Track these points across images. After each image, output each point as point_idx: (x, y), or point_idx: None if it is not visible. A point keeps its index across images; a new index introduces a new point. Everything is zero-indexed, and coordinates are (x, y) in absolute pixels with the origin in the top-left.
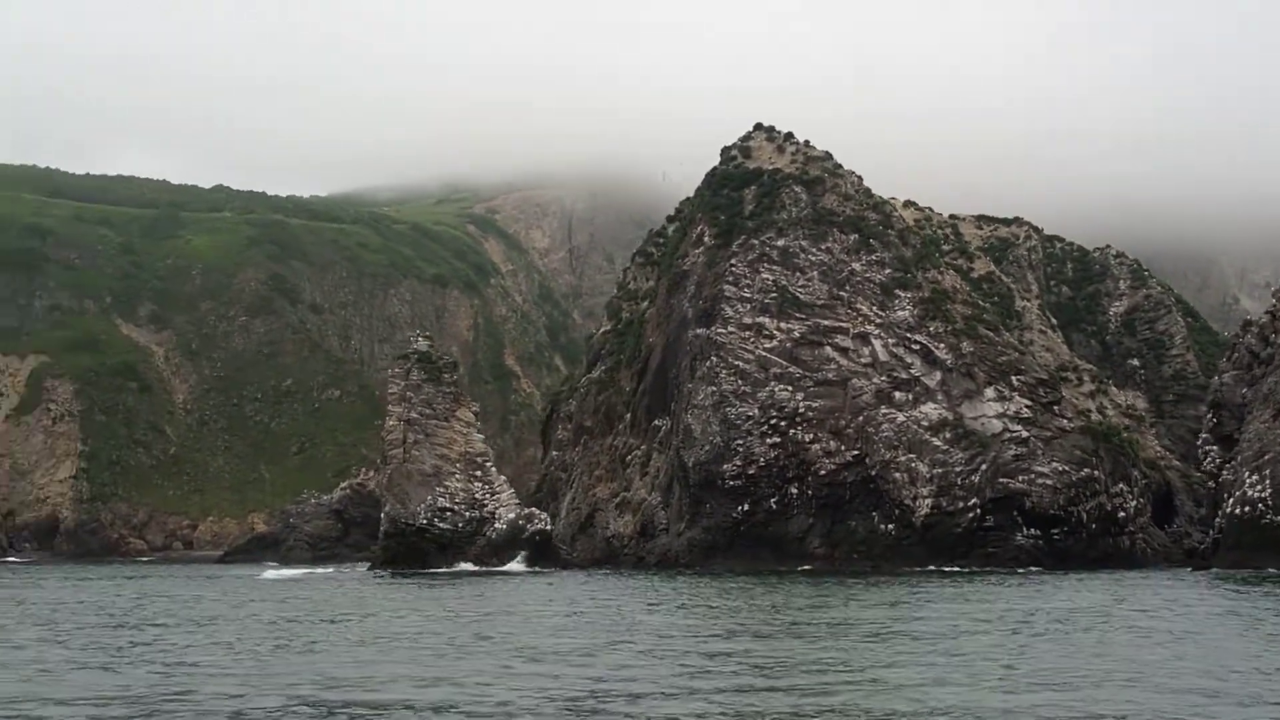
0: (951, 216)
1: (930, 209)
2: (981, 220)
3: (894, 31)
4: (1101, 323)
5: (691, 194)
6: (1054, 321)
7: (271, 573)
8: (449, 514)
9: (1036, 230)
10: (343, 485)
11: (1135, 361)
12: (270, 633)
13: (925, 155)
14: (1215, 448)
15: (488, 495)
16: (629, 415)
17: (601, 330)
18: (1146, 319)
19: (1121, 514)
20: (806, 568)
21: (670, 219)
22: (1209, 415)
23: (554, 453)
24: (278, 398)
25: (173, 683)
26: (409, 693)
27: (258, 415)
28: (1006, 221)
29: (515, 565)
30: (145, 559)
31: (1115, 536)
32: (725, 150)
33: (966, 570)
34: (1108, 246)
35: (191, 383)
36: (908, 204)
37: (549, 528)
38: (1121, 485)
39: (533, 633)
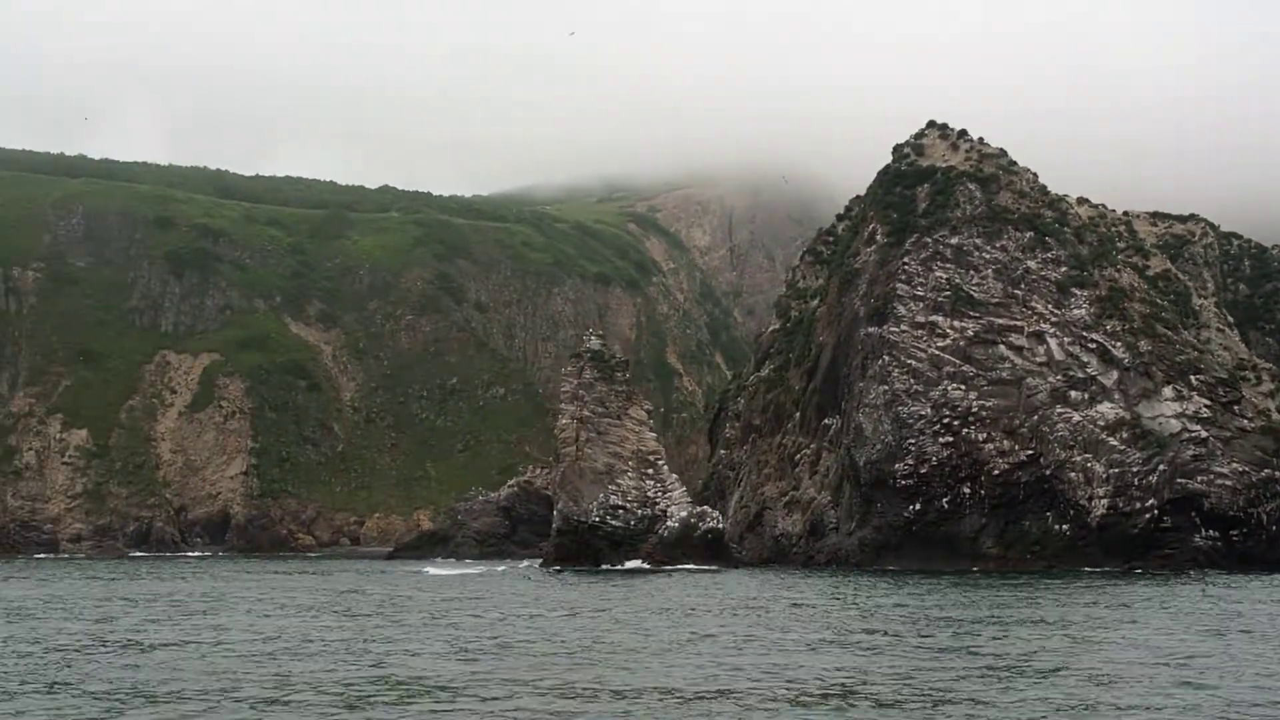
0: (1126, 213)
1: (1104, 205)
2: (1156, 217)
3: (1061, 29)
4: (1279, 321)
5: (860, 192)
6: (1231, 320)
7: (435, 569)
8: (621, 511)
9: (1213, 227)
10: (510, 483)
11: None
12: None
13: (1098, 151)
14: None
15: (659, 493)
16: (798, 414)
17: (770, 329)
18: None
19: None
20: (975, 569)
21: (840, 217)
22: None
23: (721, 451)
24: (443, 396)
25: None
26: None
27: (423, 413)
28: (1182, 218)
29: (691, 564)
30: (314, 554)
31: None
32: (897, 148)
33: (1152, 571)
34: None
35: (359, 381)
36: (1081, 201)
37: (721, 526)
38: None
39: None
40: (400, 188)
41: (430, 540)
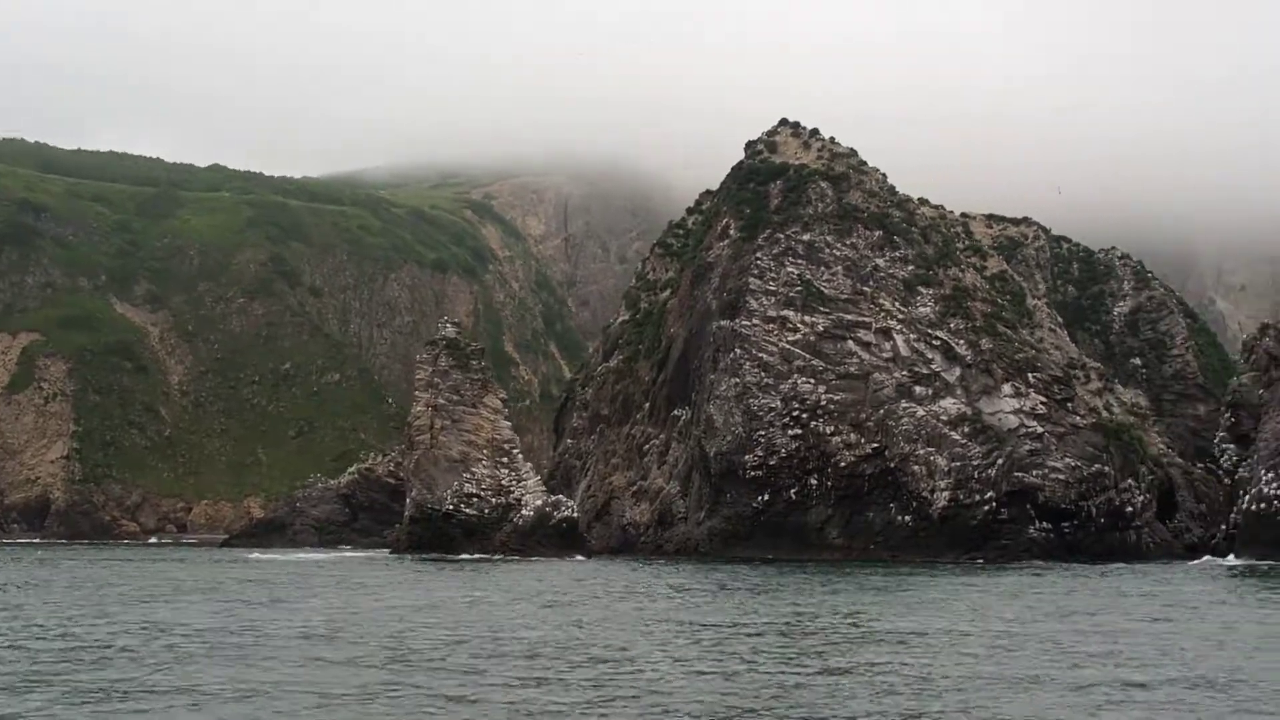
0: (963, 215)
1: (943, 207)
2: (992, 219)
3: (895, 35)
4: (1105, 322)
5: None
6: (1060, 320)
7: (282, 556)
8: (476, 500)
9: (1044, 230)
10: (351, 470)
11: (1137, 360)
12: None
13: (936, 155)
14: (1232, 446)
15: (514, 482)
16: (647, 404)
17: (619, 320)
18: (1149, 319)
19: (1129, 509)
20: (824, 557)
21: (690, 211)
22: (1227, 415)
23: (568, 440)
24: (276, 381)
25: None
26: None
27: (255, 398)
28: (1016, 221)
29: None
30: (152, 541)
31: (1122, 531)
32: (750, 144)
33: (985, 561)
34: (1113, 248)
35: (187, 364)
36: (922, 201)
37: (575, 515)
38: (1130, 481)
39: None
40: (231, 167)
41: (267, 528)
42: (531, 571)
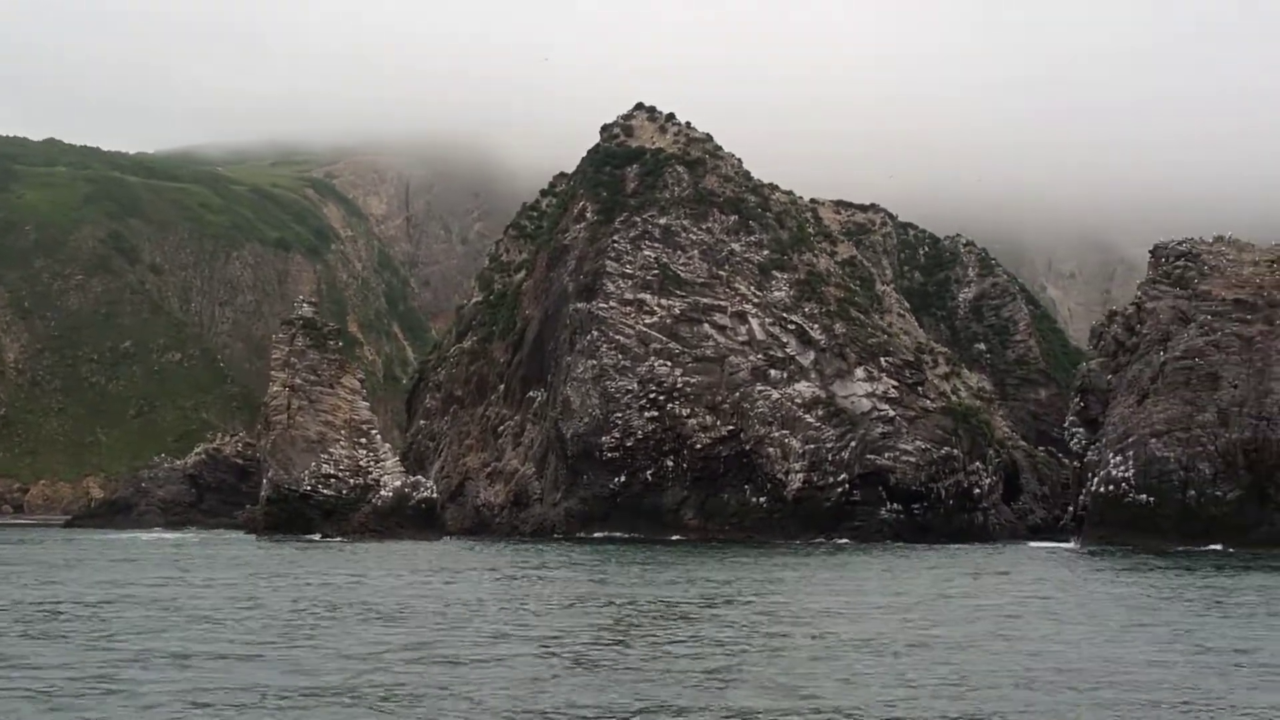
0: (813, 201)
1: (793, 193)
2: (840, 205)
3: (751, 21)
4: (951, 308)
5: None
6: (907, 305)
7: (146, 535)
8: (334, 481)
9: (891, 217)
10: (198, 450)
11: (981, 345)
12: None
13: (786, 141)
14: (1081, 430)
15: (372, 463)
16: (502, 386)
17: (472, 301)
18: (993, 306)
19: (977, 491)
20: (678, 538)
21: (544, 193)
22: (1076, 399)
23: (421, 421)
24: (115, 359)
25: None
26: None
27: (94, 377)
28: (863, 207)
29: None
30: None
31: (970, 512)
32: (606, 128)
33: (841, 541)
34: (958, 235)
35: (24, 341)
36: (772, 187)
37: (435, 496)
38: (978, 464)
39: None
40: (67, 141)
41: (110, 508)
42: (432, 551)
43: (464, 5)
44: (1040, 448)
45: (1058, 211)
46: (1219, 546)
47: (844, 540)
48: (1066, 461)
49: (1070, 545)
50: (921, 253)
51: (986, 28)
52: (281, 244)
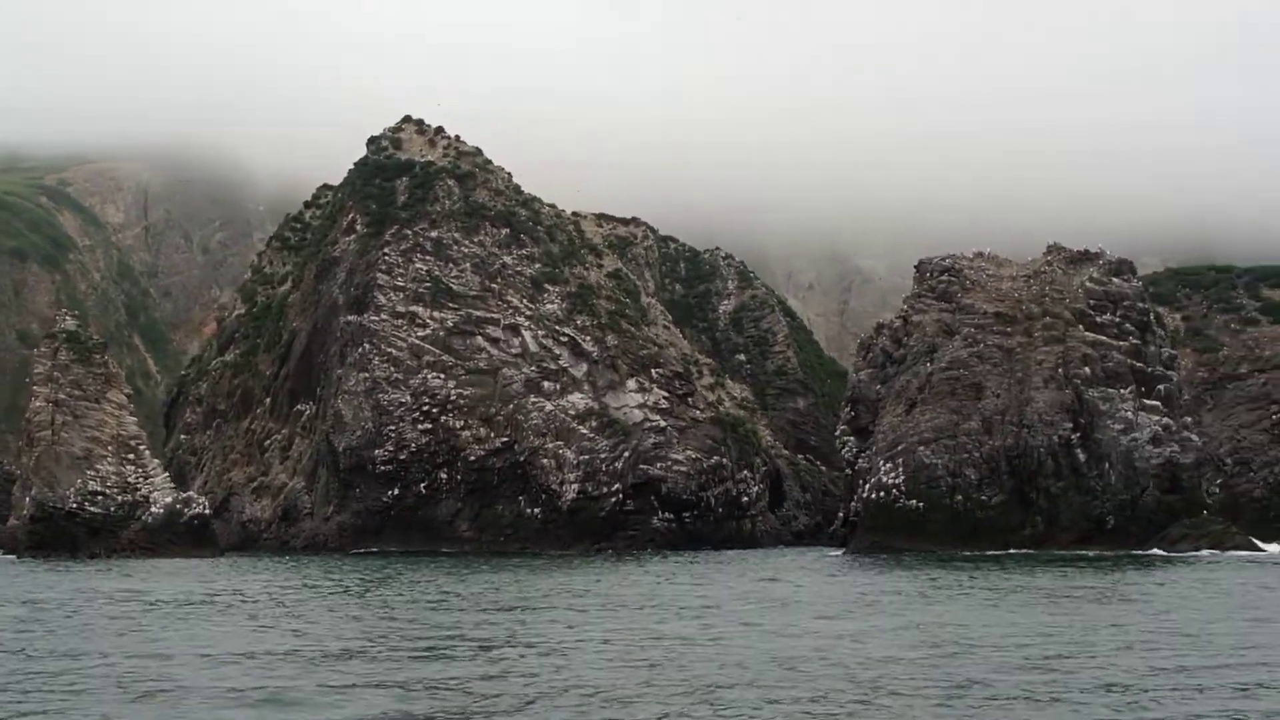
0: (575, 214)
1: (555, 205)
2: (602, 218)
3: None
4: (711, 320)
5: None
6: (670, 317)
7: None
8: (100, 498)
9: (653, 230)
10: None
11: (742, 357)
12: None
13: (549, 153)
14: (852, 439)
15: (141, 479)
16: (269, 399)
17: (234, 313)
18: (752, 317)
19: (745, 499)
20: (451, 550)
21: (308, 204)
22: (846, 409)
23: (181, 436)
24: None
25: None
26: None
27: None
28: (625, 221)
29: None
30: None
31: (739, 520)
32: (373, 140)
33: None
34: (717, 248)
35: None
36: (541, 201)
37: (207, 512)
38: (745, 472)
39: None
40: None
41: None
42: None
43: (202, 5)
44: (800, 456)
45: (797, 224)
46: (995, 550)
47: (608, 549)
48: (825, 470)
49: (837, 552)
50: (682, 265)
51: (728, 43)
52: (17, 253)
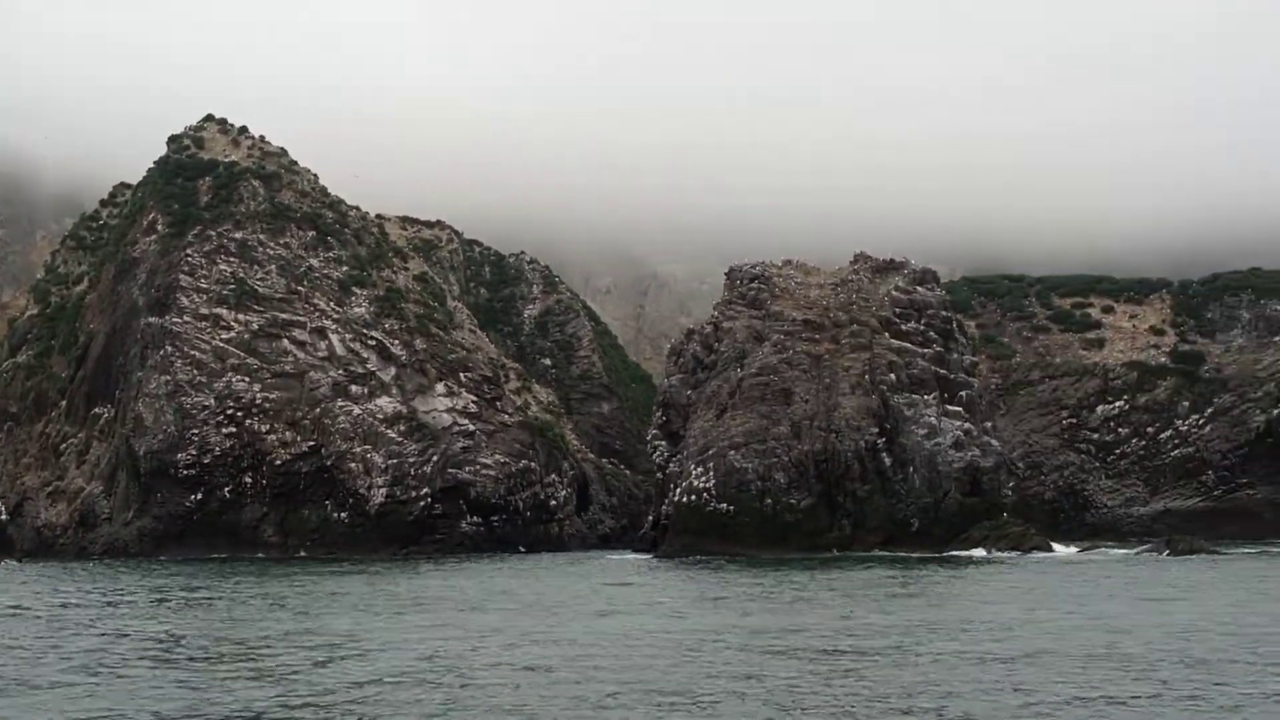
0: (379, 216)
1: (358, 207)
2: (406, 221)
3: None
4: (517, 324)
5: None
6: (476, 321)
7: None
8: None
9: (457, 234)
10: None
11: (548, 361)
12: None
13: (352, 154)
14: (664, 443)
15: None
16: (64, 402)
17: (27, 314)
18: (557, 322)
19: (553, 502)
20: (261, 555)
21: (104, 203)
22: (658, 413)
23: None
24: None
25: None
26: None
27: None
28: (430, 224)
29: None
30: None
31: (546, 523)
32: (174, 138)
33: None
34: (522, 252)
35: None
36: (347, 204)
37: (4, 517)
38: (553, 476)
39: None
40: None
41: None
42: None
43: None
44: (605, 460)
45: (594, 229)
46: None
47: (416, 553)
48: (629, 474)
49: (646, 555)
50: (486, 269)
51: (526, 41)
52: None
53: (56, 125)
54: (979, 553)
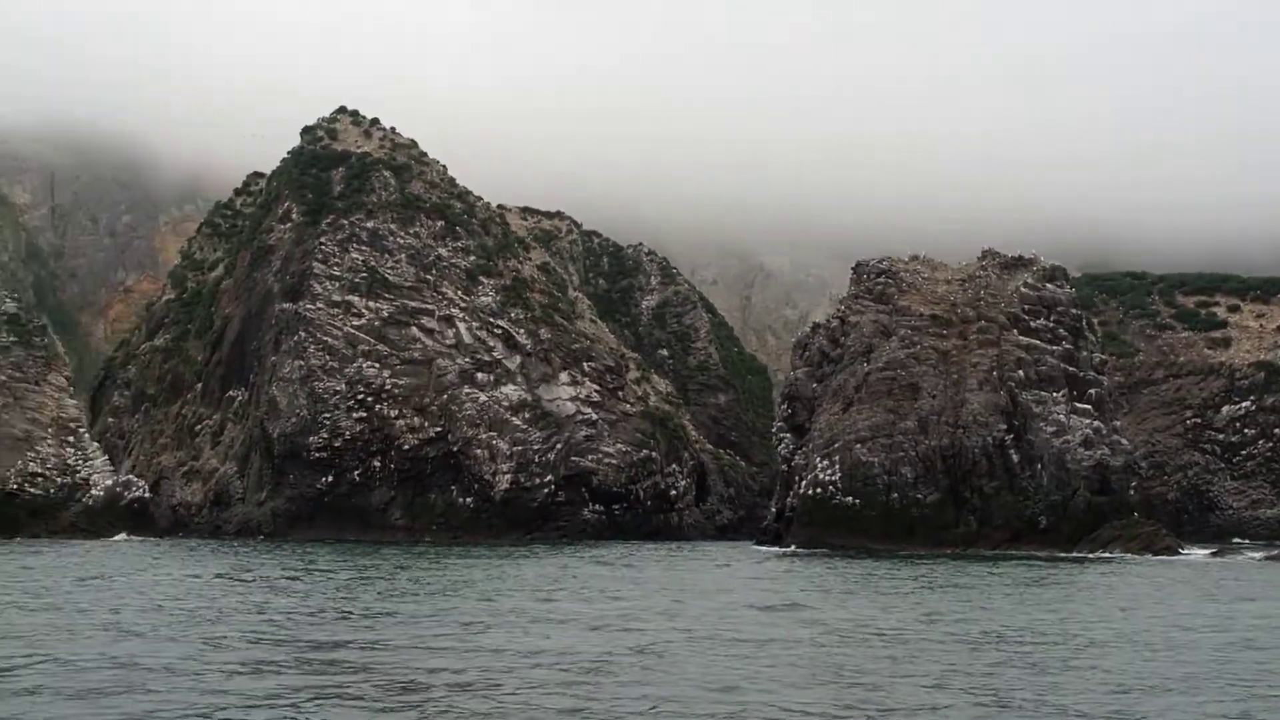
0: (500, 207)
1: (480, 197)
2: (526, 212)
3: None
4: (635, 315)
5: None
6: (596, 312)
7: None
8: (40, 479)
9: (577, 224)
10: None
11: (665, 352)
12: None
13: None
14: (789, 435)
15: (81, 461)
16: (200, 385)
17: (164, 299)
18: (675, 313)
19: (673, 492)
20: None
21: (239, 192)
22: (783, 406)
23: (109, 420)
24: None
25: None
26: None
27: None
28: (550, 214)
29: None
30: None
31: (666, 513)
32: (308, 130)
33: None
34: (640, 244)
35: None
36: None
37: (147, 495)
38: (674, 466)
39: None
40: None
41: None
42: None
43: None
44: (722, 451)
45: (701, 220)
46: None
47: (539, 539)
48: (745, 465)
49: (766, 547)
50: (605, 260)
51: (627, 37)
52: None
53: (177, 115)
54: (1115, 554)
